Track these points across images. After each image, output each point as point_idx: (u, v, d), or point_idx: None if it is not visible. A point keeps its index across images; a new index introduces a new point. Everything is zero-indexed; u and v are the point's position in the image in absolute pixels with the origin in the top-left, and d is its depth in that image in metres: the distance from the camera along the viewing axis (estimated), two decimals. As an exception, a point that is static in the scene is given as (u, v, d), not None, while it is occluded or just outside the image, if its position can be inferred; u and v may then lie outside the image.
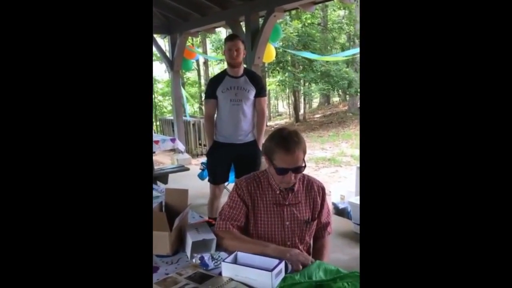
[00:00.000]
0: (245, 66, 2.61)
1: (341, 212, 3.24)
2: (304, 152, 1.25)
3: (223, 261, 1.10)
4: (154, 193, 1.93)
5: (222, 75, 2.48)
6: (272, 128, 11.74)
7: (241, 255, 1.14)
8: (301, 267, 1.09)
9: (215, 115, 2.55)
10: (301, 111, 13.86)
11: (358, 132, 8.67)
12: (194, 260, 1.19)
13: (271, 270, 1.02)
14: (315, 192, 1.38)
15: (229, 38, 2.47)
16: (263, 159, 2.57)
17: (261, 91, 2.48)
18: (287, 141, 1.21)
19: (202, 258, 1.17)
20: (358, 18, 11.67)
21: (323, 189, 1.41)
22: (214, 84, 2.46)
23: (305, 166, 1.26)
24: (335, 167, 5.65)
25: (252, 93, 2.43)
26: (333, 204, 3.34)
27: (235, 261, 1.12)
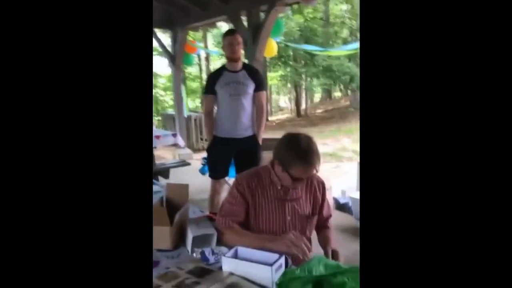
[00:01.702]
0: (246, 61, 2.60)
1: (342, 207, 3.25)
2: (320, 160, 1.25)
3: (224, 255, 1.11)
4: (155, 188, 1.93)
5: (221, 70, 2.47)
6: (274, 124, 11.76)
7: (242, 250, 1.14)
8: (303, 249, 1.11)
9: (215, 110, 2.55)
10: (303, 106, 13.83)
11: (359, 128, 8.62)
12: (194, 255, 1.19)
13: (271, 265, 1.02)
14: (315, 187, 1.38)
15: (229, 33, 2.46)
16: (264, 154, 2.58)
17: (260, 85, 2.47)
18: (308, 154, 1.20)
19: (202, 253, 1.17)
20: (360, 12, 11.57)
21: (322, 183, 1.42)
22: (213, 79, 2.46)
23: (317, 171, 1.25)
24: (336, 162, 5.65)
25: (251, 87, 2.43)
26: (334, 199, 3.34)
27: (235, 256, 1.13)
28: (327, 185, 1.45)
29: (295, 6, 9.00)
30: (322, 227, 1.44)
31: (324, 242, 1.39)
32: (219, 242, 1.27)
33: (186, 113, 6.37)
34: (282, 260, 1.07)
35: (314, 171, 1.24)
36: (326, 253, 1.29)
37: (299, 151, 1.20)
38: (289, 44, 8.14)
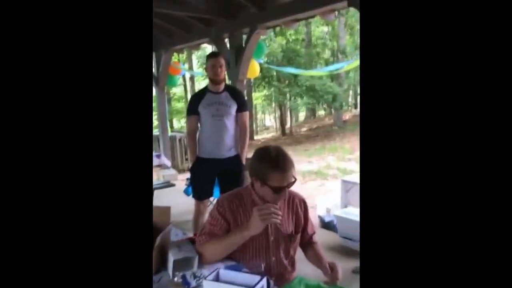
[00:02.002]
0: (229, 82, 2.64)
1: (327, 225, 3.25)
2: (294, 166, 1.28)
3: (205, 279, 1.09)
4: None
5: (204, 91, 2.52)
6: (260, 143, 11.81)
7: (223, 272, 1.13)
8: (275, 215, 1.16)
9: (198, 131, 2.57)
10: (288, 125, 13.99)
11: (343, 145, 8.77)
12: (176, 279, 1.17)
13: (253, 287, 1.01)
14: (296, 205, 1.39)
15: (212, 55, 2.52)
16: (247, 174, 2.59)
17: (242, 106, 2.51)
18: (280, 160, 1.24)
19: (184, 277, 1.15)
20: (341, 34, 12.01)
21: (304, 202, 1.43)
22: (195, 100, 2.50)
23: (295, 179, 1.28)
24: (321, 180, 5.69)
25: (234, 108, 2.47)
26: (319, 217, 3.35)
27: (217, 279, 1.11)
28: (311, 204, 1.47)
29: (277, 29, 9.25)
30: (308, 243, 1.45)
31: (316, 258, 1.39)
32: (201, 265, 1.25)
33: (169, 133, 6.36)
34: (264, 282, 1.06)
35: (292, 179, 1.25)
36: (324, 268, 1.26)
37: (271, 160, 1.23)
38: (271, 66, 8.33)
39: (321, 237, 2.25)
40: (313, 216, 2.77)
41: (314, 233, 1.47)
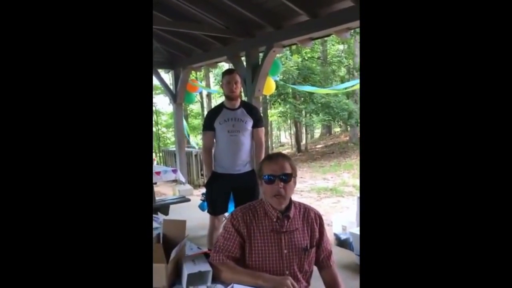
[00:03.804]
0: (245, 98, 2.67)
1: (343, 243, 3.19)
2: (292, 166, 1.35)
3: (219, 293, 1.09)
4: (154, 225, 1.92)
5: (220, 107, 2.56)
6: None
7: None
8: None
9: (214, 147, 2.60)
10: (303, 142, 13.96)
11: (359, 162, 8.64)
12: (190, 293, 1.18)
13: (267, 302, 1.01)
14: (312, 219, 1.38)
15: (227, 72, 2.57)
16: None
17: (258, 122, 2.54)
18: (273, 155, 1.40)
19: (198, 291, 1.16)
20: (357, 52, 12.05)
21: (320, 216, 1.41)
22: (211, 116, 2.53)
23: (291, 175, 1.33)
24: (337, 197, 5.61)
25: (250, 124, 2.49)
26: (335, 235, 3.29)
27: (231, 293, 1.11)
28: (327, 221, 1.46)
29: (293, 47, 9.39)
30: (325, 266, 1.39)
31: (331, 286, 1.37)
32: (215, 280, 1.26)
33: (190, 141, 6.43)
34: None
35: (286, 170, 1.31)
36: None
37: (266, 156, 1.42)
38: (286, 84, 8.43)
39: (337, 255, 2.20)
40: (329, 234, 2.72)
41: (331, 253, 1.41)
